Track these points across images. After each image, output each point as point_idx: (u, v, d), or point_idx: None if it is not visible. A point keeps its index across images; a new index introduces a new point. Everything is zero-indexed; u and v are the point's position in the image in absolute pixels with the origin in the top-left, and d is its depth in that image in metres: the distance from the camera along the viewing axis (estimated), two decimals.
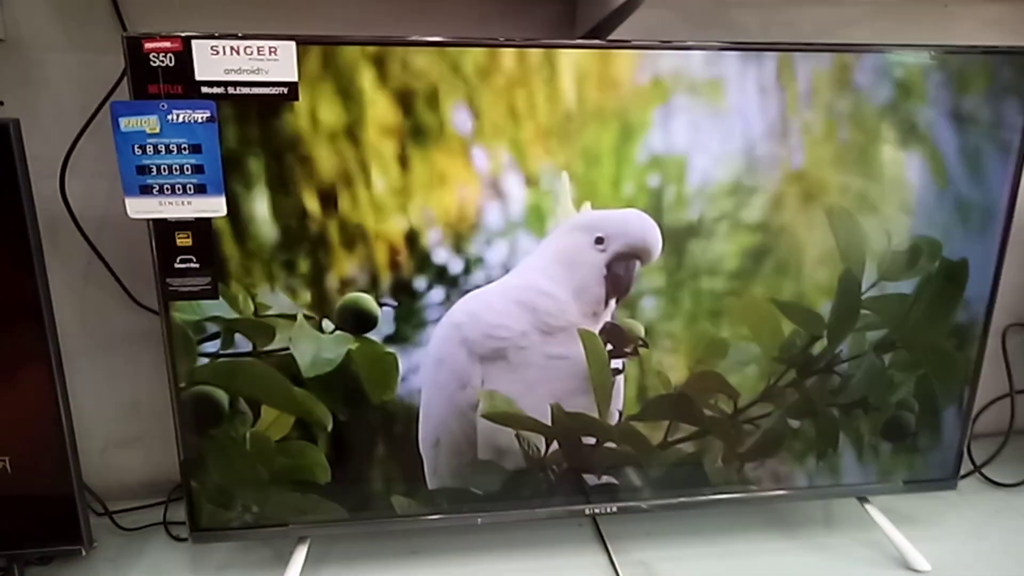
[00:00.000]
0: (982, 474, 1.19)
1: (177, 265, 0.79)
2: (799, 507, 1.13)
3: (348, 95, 0.77)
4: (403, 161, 0.80)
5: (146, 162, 0.75)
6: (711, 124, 0.85)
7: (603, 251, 0.87)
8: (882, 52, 0.86)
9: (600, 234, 0.87)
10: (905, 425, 1.01)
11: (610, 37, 0.92)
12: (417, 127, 0.80)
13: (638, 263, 0.88)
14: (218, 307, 0.81)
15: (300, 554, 0.92)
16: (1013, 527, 1.09)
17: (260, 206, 0.79)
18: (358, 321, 0.85)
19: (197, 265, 0.79)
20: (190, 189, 0.76)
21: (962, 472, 1.06)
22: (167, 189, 0.76)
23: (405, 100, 0.79)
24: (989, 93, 0.89)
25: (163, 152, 0.74)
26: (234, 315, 0.82)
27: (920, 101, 0.88)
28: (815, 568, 1.00)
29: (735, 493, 1.00)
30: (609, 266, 0.88)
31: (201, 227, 0.78)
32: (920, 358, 0.98)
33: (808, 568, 1.00)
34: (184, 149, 0.75)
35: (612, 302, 0.89)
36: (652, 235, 0.87)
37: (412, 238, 0.83)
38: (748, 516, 1.10)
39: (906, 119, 0.88)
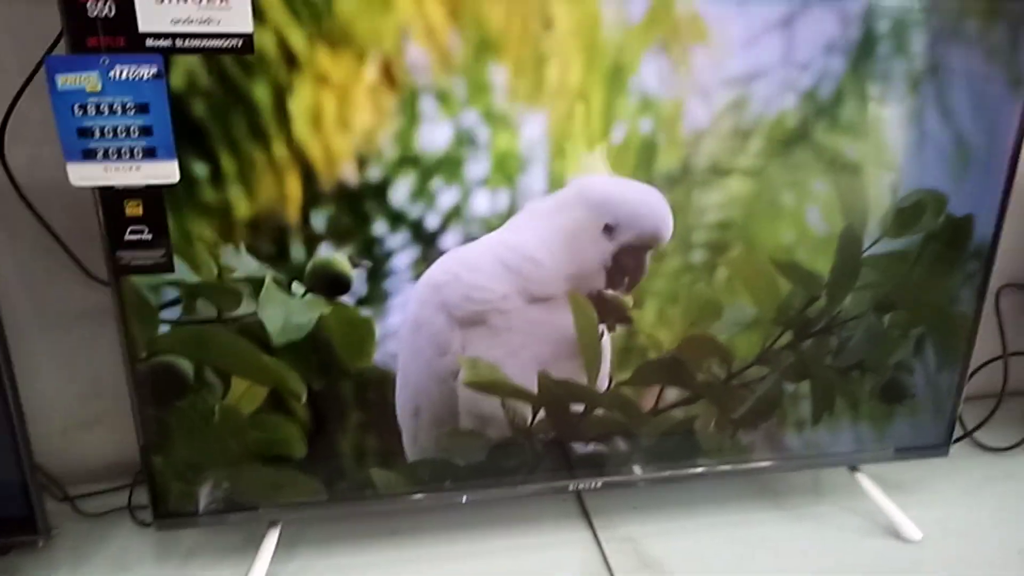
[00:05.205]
0: (973, 439, 1.17)
1: (128, 237, 0.73)
2: (788, 476, 1.10)
3: (308, 38, 0.71)
4: (378, 107, 0.75)
5: (88, 124, 0.68)
6: (703, 65, 0.79)
7: (611, 240, 0.82)
8: None
9: (610, 221, 0.81)
10: (904, 387, 0.98)
11: None
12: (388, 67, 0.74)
13: (648, 253, 0.83)
14: (178, 270, 0.75)
15: (271, 540, 0.88)
16: (1005, 491, 1.07)
17: (217, 161, 0.73)
18: (331, 283, 0.80)
19: (150, 236, 0.73)
20: (138, 153, 0.70)
21: (954, 437, 1.04)
22: (113, 154, 0.69)
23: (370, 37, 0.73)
24: (995, 35, 0.84)
25: (106, 113, 0.68)
26: (195, 279, 0.76)
27: (923, 46, 0.83)
28: (805, 538, 0.97)
29: (722, 465, 0.97)
30: (616, 257, 0.82)
31: (153, 195, 0.72)
32: (919, 318, 0.95)
33: (798, 539, 0.97)
34: (130, 109, 0.68)
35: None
36: (666, 223, 0.82)
37: (387, 190, 0.78)
38: (736, 487, 1.07)
39: (911, 63, 0.84)
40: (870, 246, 0.90)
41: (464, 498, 0.92)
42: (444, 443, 0.89)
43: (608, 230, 0.81)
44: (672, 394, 0.92)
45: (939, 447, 1.03)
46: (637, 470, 0.95)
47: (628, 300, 0.85)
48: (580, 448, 0.92)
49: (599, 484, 0.94)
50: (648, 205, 0.82)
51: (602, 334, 0.87)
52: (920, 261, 0.92)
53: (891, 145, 0.86)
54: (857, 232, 0.89)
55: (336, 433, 0.86)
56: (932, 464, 1.06)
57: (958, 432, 1.11)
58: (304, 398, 0.82)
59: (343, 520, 0.99)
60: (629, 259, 0.82)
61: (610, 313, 0.85)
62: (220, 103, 0.71)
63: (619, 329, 0.87)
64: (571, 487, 0.94)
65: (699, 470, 0.97)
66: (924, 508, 1.01)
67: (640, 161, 0.81)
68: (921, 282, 0.93)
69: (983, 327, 0.98)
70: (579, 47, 0.76)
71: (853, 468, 1.04)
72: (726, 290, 0.89)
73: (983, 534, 0.99)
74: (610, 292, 0.84)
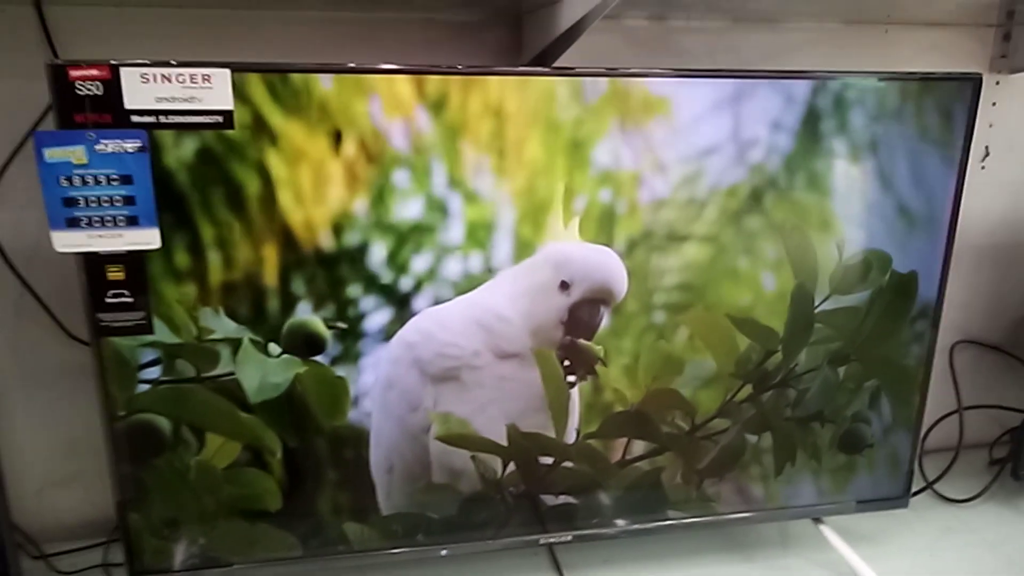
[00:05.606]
0: (934, 490, 1.20)
1: (108, 300, 0.76)
2: (756, 529, 1.12)
3: (287, 117, 0.76)
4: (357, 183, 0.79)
5: (73, 194, 0.71)
6: (659, 143, 0.84)
7: (567, 296, 0.86)
8: (825, 79, 0.86)
9: (565, 278, 0.85)
10: (861, 437, 1.01)
11: (556, 63, 0.92)
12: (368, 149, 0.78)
13: (603, 307, 0.87)
14: (158, 331, 0.78)
15: None
16: (965, 542, 1.10)
17: (199, 229, 0.77)
18: (306, 344, 0.82)
19: (131, 299, 0.76)
20: (121, 221, 0.73)
21: (914, 489, 1.07)
22: (96, 222, 0.73)
23: (353, 121, 0.77)
24: (929, 115, 0.90)
25: (91, 183, 0.72)
26: (175, 340, 0.79)
27: (865, 122, 0.89)
28: None
29: (691, 517, 0.99)
30: (572, 310, 0.86)
31: (134, 260, 0.75)
32: (872, 371, 0.99)
33: None
34: (114, 180, 0.72)
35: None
36: (617, 279, 0.87)
37: (363, 255, 0.81)
38: (705, 539, 1.09)
39: (853, 138, 0.89)
40: (821, 302, 0.94)
41: (444, 552, 0.93)
42: (417, 498, 0.91)
43: (564, 286, 0.86)
44: (639, 447, 0.95)
45: (899, 499, 1.06)
46: (607, 523, 0.97)
47: (599, 350, 0.89)
48: (550, 501, 0.95)
49: (570, 538, 0.96)
50: (599, 262, 0.86)
51: (572, 385, 0.90)
52: (870, 316, 0.96)
53: (837, 211, 0.91)
54: (808, 289, 0.93)
55: (311, 489, 0.88)
56: (896, 516, 1.09)
57: (919, 484, 1.14)
58: (279, 455, 0.84)
59: (317, 575, 1.00)
60: (583, 312, 0.87)
61: (581, 364, 0.89)
62: (201, 174, 0.75)
63: (588, 380, 0.90)
64: (542, 541, 0.96)
65: (667, 522, 0.99)
66: (888, 559, 1.03)
67: (601, 228, 0.85)
68: (872, 336, 0.97)
69: (941, 382, 1.02)
70: (537, 125, 0.81)
71: (816, 520, 1.06)
72: (687, 346, 0.92)
73: None
74: (582, 342, 0.88)
